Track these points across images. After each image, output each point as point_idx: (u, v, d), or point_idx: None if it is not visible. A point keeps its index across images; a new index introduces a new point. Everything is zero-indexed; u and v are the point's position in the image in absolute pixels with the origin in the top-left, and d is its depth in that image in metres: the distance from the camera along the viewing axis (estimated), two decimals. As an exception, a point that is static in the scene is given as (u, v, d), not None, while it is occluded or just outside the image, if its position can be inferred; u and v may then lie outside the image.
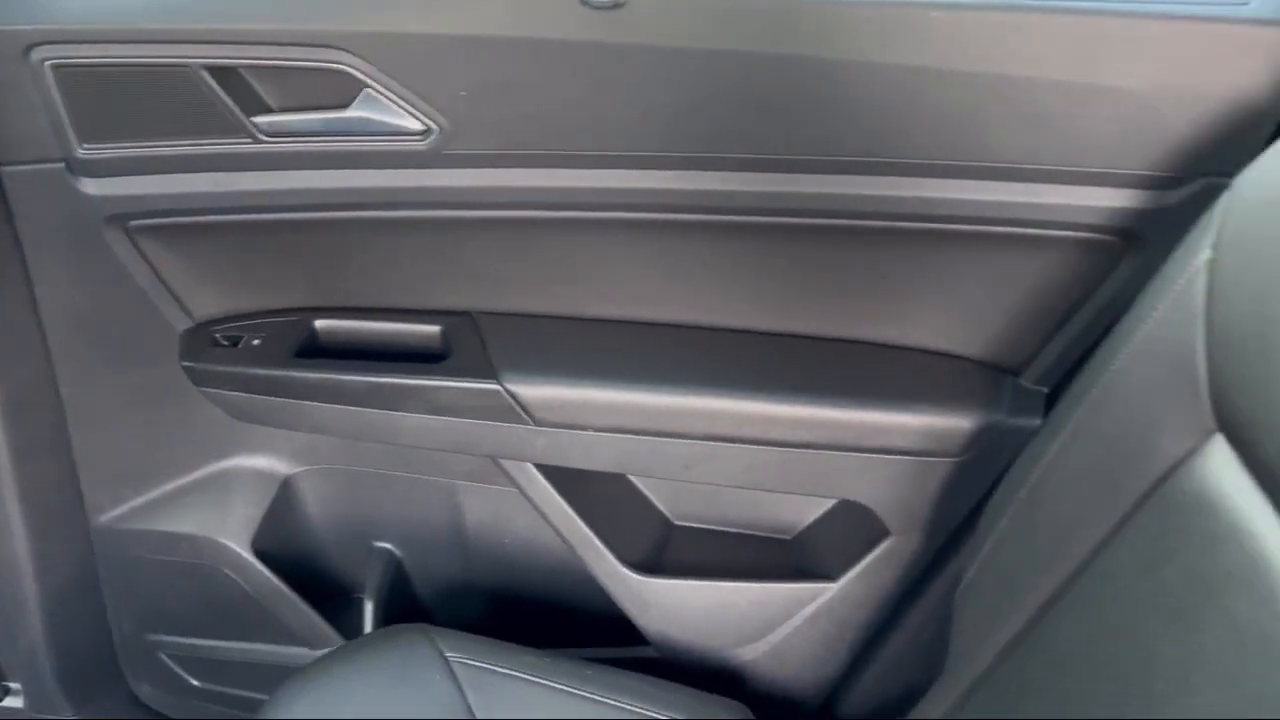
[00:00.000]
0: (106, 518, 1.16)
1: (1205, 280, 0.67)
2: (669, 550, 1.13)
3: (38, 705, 1.25)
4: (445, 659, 0.97)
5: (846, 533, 1.07)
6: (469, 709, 0.94)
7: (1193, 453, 0.65)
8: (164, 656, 1.26)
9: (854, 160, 0.87)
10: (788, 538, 1.15)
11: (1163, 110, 0.80)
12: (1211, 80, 0.78)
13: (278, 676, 0.98)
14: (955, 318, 0.97)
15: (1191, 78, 0.79)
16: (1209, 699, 0.58)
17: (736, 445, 0.99)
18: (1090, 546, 0.71)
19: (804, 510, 1.12)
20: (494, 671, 0.97)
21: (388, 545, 1.23)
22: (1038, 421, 0.96)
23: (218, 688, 1.28)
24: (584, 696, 0.97)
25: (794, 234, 0.94)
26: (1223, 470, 0.63)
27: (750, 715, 0.99)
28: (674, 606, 1.09)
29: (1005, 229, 0.89)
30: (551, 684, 0.97)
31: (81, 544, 1.18)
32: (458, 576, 1.22)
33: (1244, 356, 0.63)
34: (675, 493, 1.14)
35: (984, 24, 0.82)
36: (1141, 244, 0.85)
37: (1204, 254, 0.68)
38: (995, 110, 0.84)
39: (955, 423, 0.96)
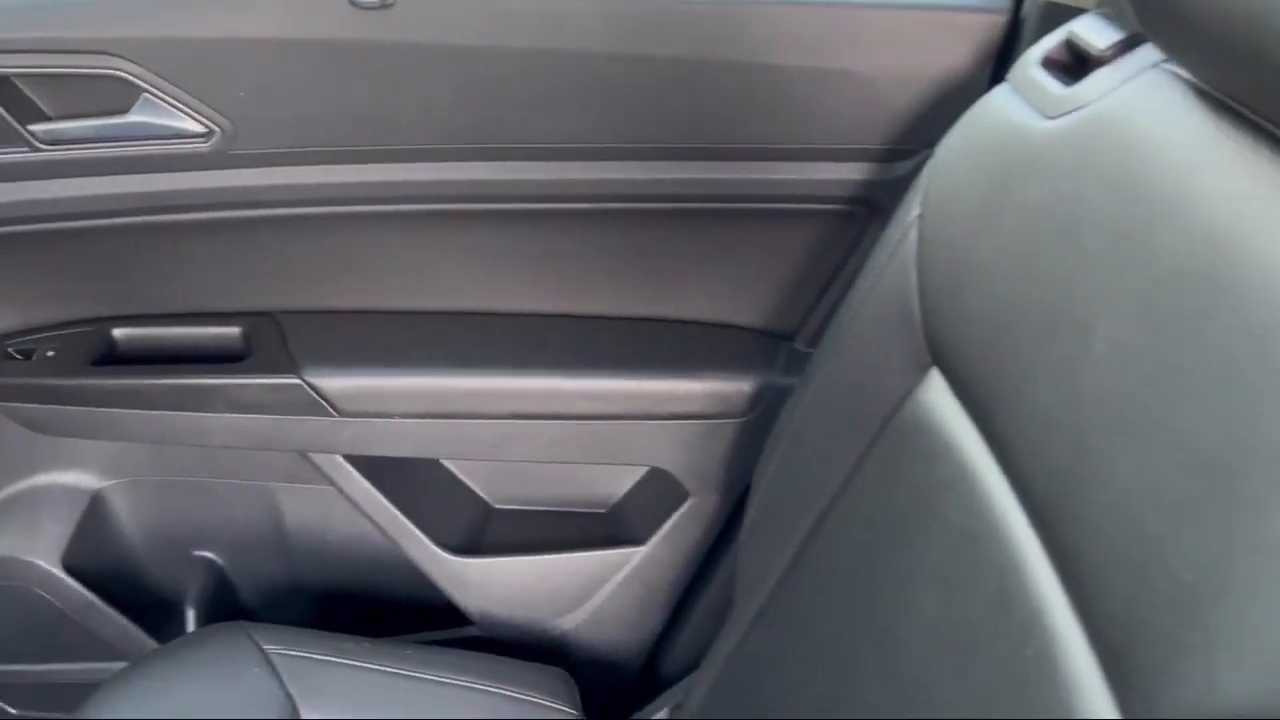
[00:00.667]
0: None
1: (916, 234, 0.76)
2: (488, 532, 1.18)
3: None
4: (264, 652, 0.99)
5: (652, 499, 1.14)
6: (290, 699, 0.96)
7: (915, 386, 0.74)
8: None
9: (624, 147, 0.94)
10: (603, 511, 1.21)
11: (889, 90, 0.90)
12: (928, 62, 0.88)
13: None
14: (731, 290, 1.05)
15: (912, 60, 0.89)
16: (932, 600, 0.66)
17: (540, 422, 1.04)
18: (840, 480, 0.80)
19: (616, 482, 1.18)
20: (314, 660, 0.99)
21: (208, 553, 1.23)
22: (810, 380, 1.05)
23: (38, 714, 1.25)
24: (407, 675, 1.00)
25: (577, 219, 1.00)
26: (939, 399, 0.71)
27: (570, 680, 1.04)
28: (493, 584, 1.13)
29: (766, 205, 0.98)
30: (373, 666, 1.00)
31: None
32: (281, 577, 1.24)
33: (947, 297, 0.72)
34: (492, 477, 1.18)
35: (732, 16, 0.90)
36: (881, 212, 0.95)
37: (914, 211, 0.77)
38: (747, 96, 0.92)
39: (738, 386, 1.04)
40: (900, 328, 0.76)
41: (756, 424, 1.04)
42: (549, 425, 1.04)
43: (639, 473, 1.16)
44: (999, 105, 0.73)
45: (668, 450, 1.07)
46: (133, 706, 0.93)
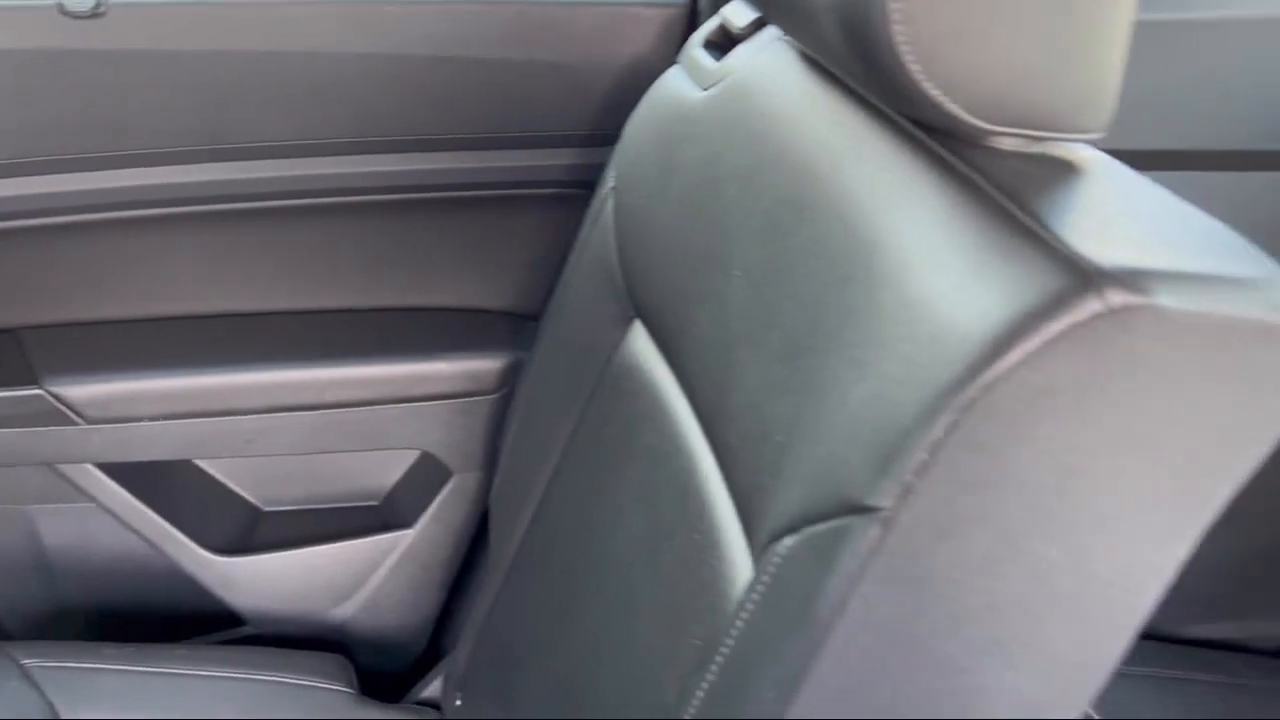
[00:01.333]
0: None
1: (611, 204, 0.85)
2: (258, 533, 1.19)
3: None
4: (21, 666, 0.97)
5: (420, 482, 1.18)
6: (52, 709, 0.95)
7: (622, 338, 0.82)
8: None
9: (356, 141, 0.99)
10: (376, 503, 1.24)
11: (594, 79, 0.99)
12: (622, 51, 0.98)
13: None
14: (476, 275, 1.12)
15: (610, 51, 0.98)
16: (637, 518, 0.74)
17: (294, 414, 1.07)
18: (567, 435, 0.87)
19: (385, 472, 1.22)
20: (76, 669, 0.99)
21: (-37, 584, 1.19)
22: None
23: None
24: (175, 674, 1.01)
25: (318, 215, 1.04)
26: (640, 345, 0.80)
27: (347, 664, 1.08)
28: (264, 581, 1.15)
29: (498, 192, 1.05)
30: (139, 669, 1.00)
31: None
32: (46, 599, 1.21)
33: (639, 255, 0.81)
34: (259, 478, 1.20)
35: (454, 14, 0.96)
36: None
37: (609, 184, 0.86)
38: (473, 89, 0.99)
39: (488, 365, 1.10)
40: (606, 289, 0.85)
41: (507, 399, 1.11)
42: (304, 416, 1.07)
43: (406, 460, 1.20)
44: (670, 83, 0.83)
45: (427, 432, 1.12)
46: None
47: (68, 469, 1.07)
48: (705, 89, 0.76)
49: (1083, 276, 0.39)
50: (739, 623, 0.50)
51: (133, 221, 1.00)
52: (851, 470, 0.44)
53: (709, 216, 0.69)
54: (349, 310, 1.11)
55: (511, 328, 1.13)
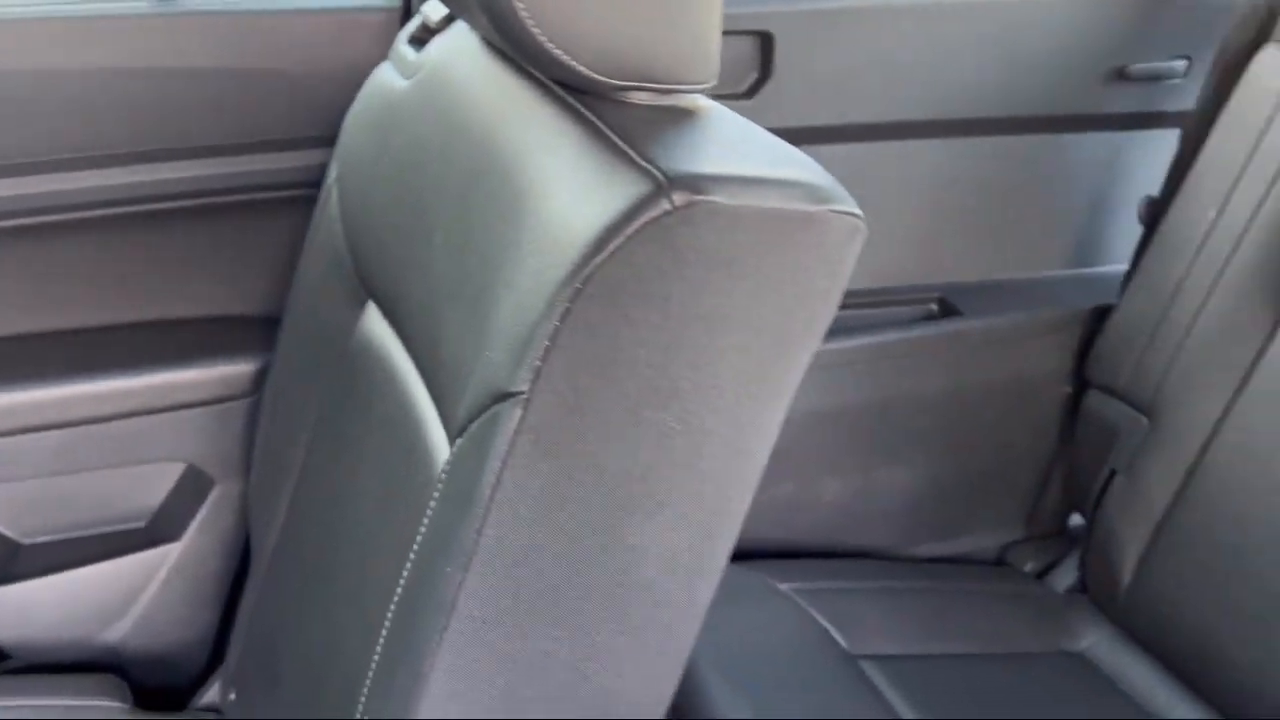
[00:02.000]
0: None
1: (336, 194, 0.90)
2: (18, 563, 1.16)
3: None
4: None
5: (185, 496, 1.18)
6: None
7: (358, 319, 0.87)
8: None
9: (76, 157, 1.00)
10: (143, 523, 1.23)
11: (318, 84, 1.03)
12: (343, 55, 1.02)
13: None
14: (220, 283, 1.13)
15: (330, 56, 1.03)
16: (373, 485, 0.79)
17: (43, 433, 1.06)
18: (313, 421, 0.92)
19: (150, 488, 1.21)
20: None
21: None
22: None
23: None
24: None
25: (49, 232, 1.04)
26: (374, 324, 0.85)
27: (120, 681, 1.07)
28: (28, 610, 1.12)
29: (232, 198, 1.07)
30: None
31: None
32: None
33: (364, 239, 0.86)
34: (19, 508, 1.17)
35: (160, 26, 0.99)
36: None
37: (333, 176, 0.91)
38: (202, 99, 1.01)
39: (241, 369, 1.12)
40: (338, 276, 0.89)
41: (259, 403, 1.13)
42: (53, 435, 1.06)
43: (169, 475, 1.20)
44: (380, 77, 0.88)
45: (185, 443, 1.13)
46: None
47: None
48: (408, 79, 0.82)
49: (655, 183, 0.48)
50: (425, 521, 0.57)
51: None
52: (499, 367, 0.51)
53: (415, 194, 0.76)
54: (92, 328, 1.11)
55: (261, 331, 1.15)
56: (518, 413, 0.49)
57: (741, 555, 0.64)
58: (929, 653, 1.18)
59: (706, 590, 0.59)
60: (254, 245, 1.12)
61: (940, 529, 1.35)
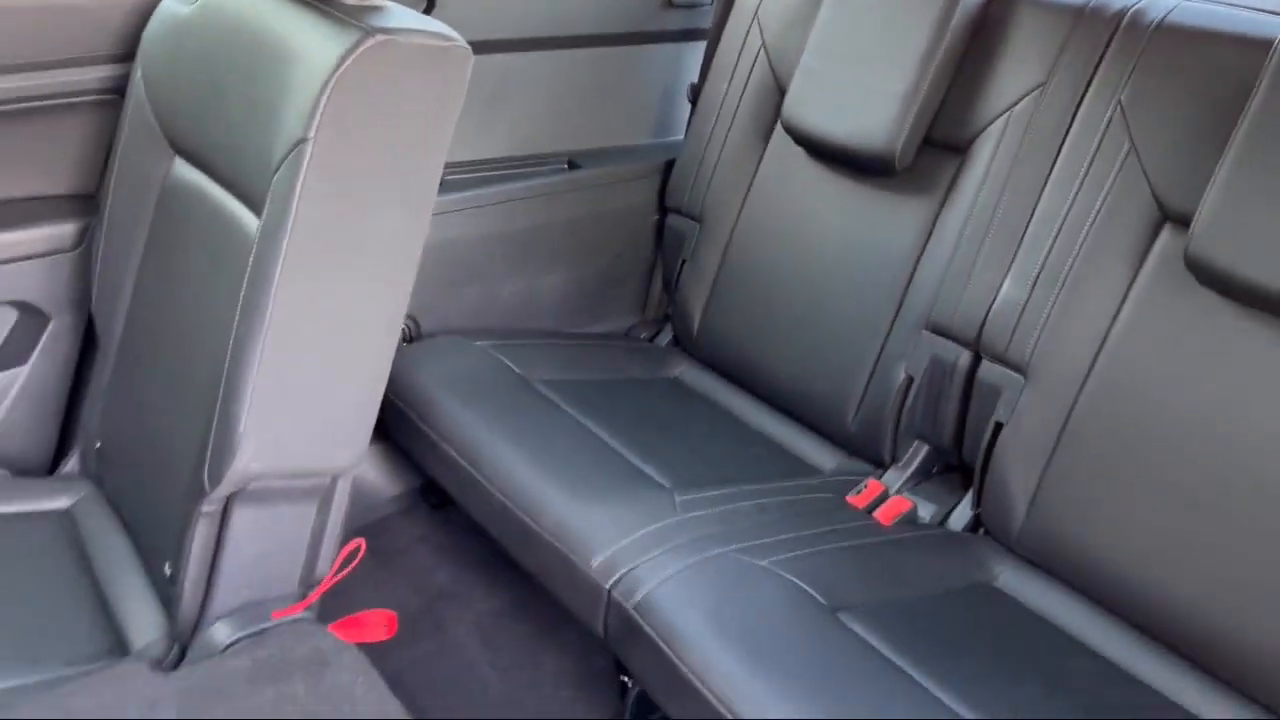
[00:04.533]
0: None
1: (142, 87, 1.36)
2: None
3: None
4: None
5: (27, 330, 1.55)
6: None
7: (169, 170, 1.33)
8: None
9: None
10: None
11: (110, 13, 1.46)
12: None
13: None
14: (47, 171, 1.53)
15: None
16: (195, 279, 1.27)
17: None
18: (141, 247, 1.37)
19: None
20: None
21: None
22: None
23: None
24: None
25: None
26: (181, 170, 1.31)
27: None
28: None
29: (46, 102, 1.48)
30: None
31: None
32: None
33: (166, 114, 1.32)
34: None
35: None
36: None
37: (138, 73, 1.36)
38: (12, 23, 1.41)
39: (66, 229, 1.52)
40: (150, 144, 1.36)
41: (85, 254, 1.54)
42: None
43: (11, 316, 1.56)
44: (167, 6, 1.34)
45: (21, 287, 1.52)
46: None
47: None
48: (191, 5, 1.29)
49: (363, 32, 1.02)
50: (244, 282, 1.10)
51: None
52: (293, 130, 1.04)
53: (208, 74, 1.25)
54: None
55: (79, 204, 1.56)
56: (308, 150, 1.03)
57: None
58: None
59: (396, 329, 1.18)
60: (69, 140, 1.52)
61: (585, 316, 1.98)
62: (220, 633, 1.20)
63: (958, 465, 1.59)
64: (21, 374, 1.57)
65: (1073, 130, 1.42)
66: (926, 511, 1.54)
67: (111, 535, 1.39)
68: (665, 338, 1.98)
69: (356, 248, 1.12)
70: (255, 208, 1.14)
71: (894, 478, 1.57)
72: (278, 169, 1.08)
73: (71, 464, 1.57)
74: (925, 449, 1.58)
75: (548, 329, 1.92)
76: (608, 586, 1.25)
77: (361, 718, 1.07)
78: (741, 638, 1.14)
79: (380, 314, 1.17)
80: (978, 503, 1.50)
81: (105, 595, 1.29)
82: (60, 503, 1.46)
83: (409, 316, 1.78)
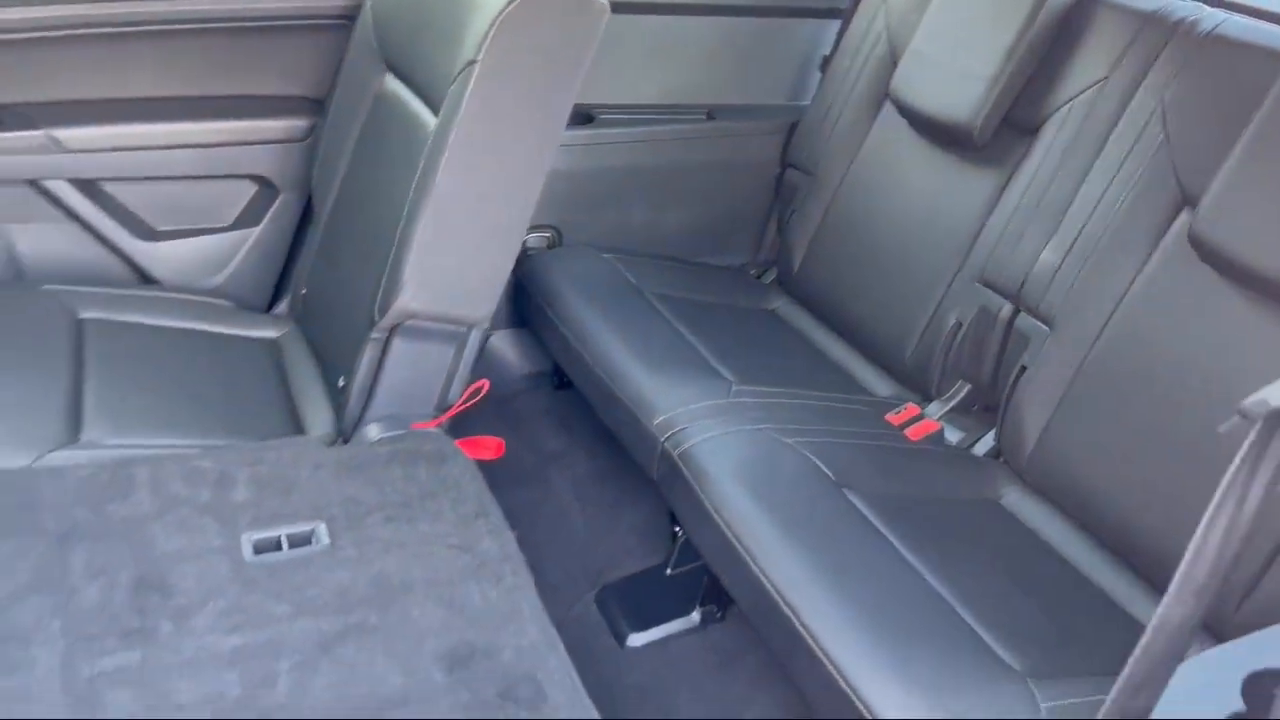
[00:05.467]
0: None
1: (370, 12, 1.74)
2: (159, 236, 1.98)
3: None
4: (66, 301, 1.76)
5: (262, 199, 2.01)
6: (75, 313, 1.74)
7: (382, 83, 1.73)
8: None
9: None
10: (238, 213, 2.06)
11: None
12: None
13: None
14: (289, 74, 1.96)
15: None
16: (389, 164, 1.67)
17: (174, 151, 1.88)
18: (353, 141, 1.77)
19: (242, 194, 2.03)
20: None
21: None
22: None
23: None
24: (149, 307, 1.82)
25: (177, 36, 1.85)
26: (390, 82, 1.71)
27: (227, 303, 1.92)
28: (169, 261, 1.96)
29: (288, 23, 1.90)
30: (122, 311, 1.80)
31: None
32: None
33: (387, 34, 1.71)
34: (161, 203, 1.98)
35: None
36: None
37: (368, 4, 1.75)
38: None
39: (298, 123, 1.95)
40: (369, 58, 1.75)
41: (312, 145, 1.97)
42: (183, 154, 1.89)
43: (252, 187, 2.01)
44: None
45: (261, 164, 1.96)
46: None
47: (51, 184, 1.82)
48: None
49: None
50: (420, 167, 1.47)
51: (89, 37, 1.77)
52: (466, 54, 1.40)
53: (417, 7, 1.61)
54: (212, 95, 1.93)
55: (309, 103, 1.98)
56: (475, 70, 1.38)
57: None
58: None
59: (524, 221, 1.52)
60: (309, 53, 1.94)
61: (703, 249, 2.29)
62: (371, 431, 1.60)
63: (993, 408, 1.82)
64: (253, 234, 2.02)
65: (1121, 121, 1.62)
66: (954, 437, 1.78)
67: (304, 360, 1.81)
68: (770, 276, 2.27)
69: (501, 150, 1.47)
70: (435, 110, 1.51)
71: (934, 409, 1.82)
72: (453, 82, 1.44)
73: (282, 306, 2.02)
74: (967, 388, 1.82)
75: (675, 254, 2.24)
76: (662, 440, 1.57)
77: (466, 499, 1.43)
78: (754, 486, 1.44)
79: (514, 204, 1.53)
80: (1000, 435, 1.73)
81: (294, 400, 1.71)
82: (270, 333, 1.90)
83: (553, 227, 2.14)
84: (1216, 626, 1.39)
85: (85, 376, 1.62)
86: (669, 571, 1.77)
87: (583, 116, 2.15)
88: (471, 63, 1.43)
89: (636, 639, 1.68)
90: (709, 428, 1.56)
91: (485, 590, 1.29)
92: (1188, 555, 0.68)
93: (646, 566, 1.79)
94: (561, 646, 1.24)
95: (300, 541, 1.33)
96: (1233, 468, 0.68)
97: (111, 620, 1.17)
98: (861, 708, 1.22)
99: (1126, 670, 0.71)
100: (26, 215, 1.88)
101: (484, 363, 2.08)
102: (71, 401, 1.55)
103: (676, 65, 2.22)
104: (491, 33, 1.41)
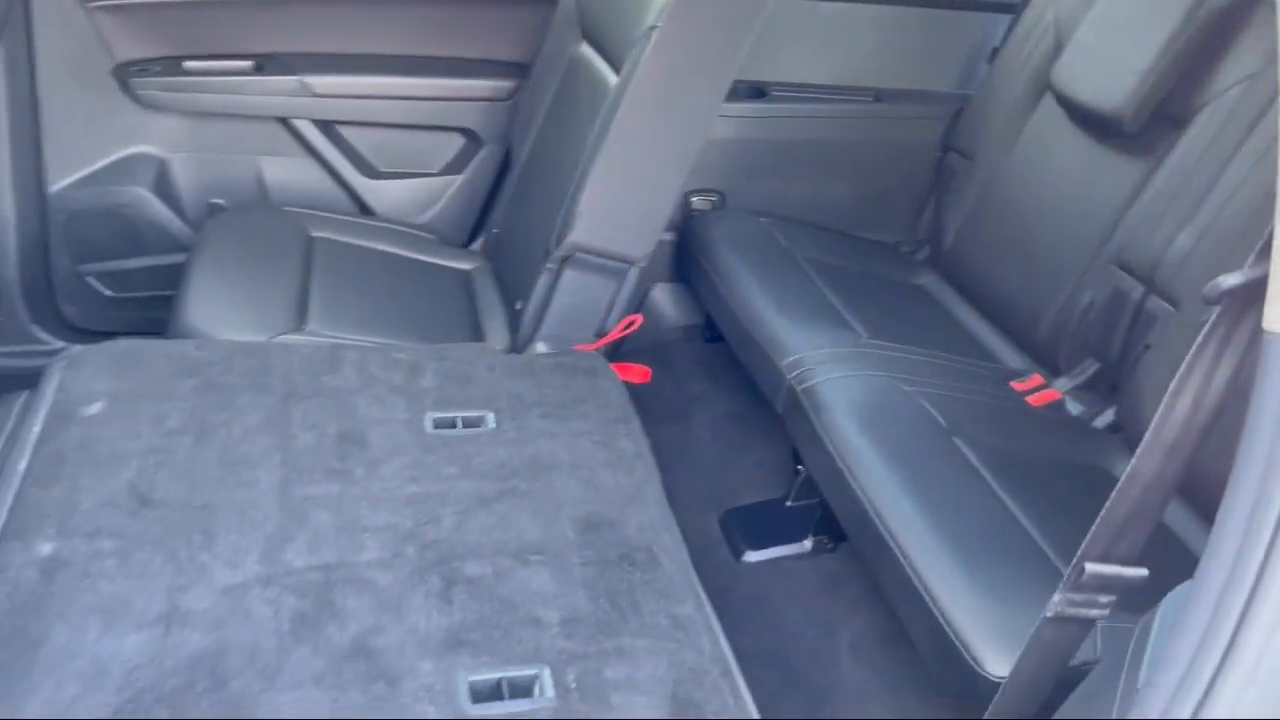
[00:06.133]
0: (58, 186, 2.10)
1: (575, -11, 1.99)
2: (378, 175, 2.30)
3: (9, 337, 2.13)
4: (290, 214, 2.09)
5: (469, 150, 2.30)
6: (306, 230, 2.07)
7: (577, 50, 1.97)
8: (89, 278, 2.20)
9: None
10: (449, 160, 2.36)
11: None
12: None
13: (166, 276, 2.02)
14: (487, 33, 2.24)
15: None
16: (587, 128, 1.90)
17: (400, 101, 2.19)
18: (549, 101, 2.03)
19: (452, 145, 2.34)
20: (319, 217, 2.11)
21: (219, 200, 2.27)
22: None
23: (123, 294, 2.24)
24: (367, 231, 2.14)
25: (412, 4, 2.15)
26: (585, 50, 1.95)
27: (433, 237, 2.21)
28: (384, 197, 2.28)
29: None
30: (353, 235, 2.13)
31: (38, 205, 2.10)
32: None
33: (586, 6, 1.95)
34: (381, 147, 2.30)
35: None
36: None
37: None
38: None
39: (502, 83, 2.23)
40: (569, 28, 1.99)
41: (515, 106, 2.24)
42: (400, 104, 2.19)
43: (460, 140, 2.31)
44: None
45: (469, 117, 2.24)
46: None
47: (297, 123, 2.16)
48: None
49: None
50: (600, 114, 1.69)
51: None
52: (644, 19, 1.61)
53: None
54: (432, 55, 2.22)
55: (514, 67, 2.25)
56: (654, 35, 1.59)
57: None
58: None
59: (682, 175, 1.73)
60: (523, 21, 2.21)
61: (859, 223, 2.43)
62: (539, 348, 1.85)
63: (1119, 387, 1.89)
64: (458, 180, 2.31)
65: (1264, 116, 1.66)
66: (1075, 409, 1.86)
67: (490, 290, 2.09)
68: (922, 255, 2.38)
69: (670, 108, 1.68)
70: (617, 70, 1.73)
71: (1062, 383, 1.91)
72: (634, 45, 1.66)
73: (477, 244, 2.30)
74: (1095, 366, 1.89)
75: (830, 225, 2.39)
76: (789, 378, 1.74)
77: (611, 407, 1.66)
78: (867, 422, 1.60)
79: (675, 159, 1.74)
80: (1119, 410, 1.80)
81: (479, 319, 1.98)
82: (465, 265, 2.18)
83: (719, 191, 2.33)
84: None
85: (312, 281, 1.94)
86: (788, 503, 1.93)
87: (756, 91, 2.33)
88: (653, 28, 1.64)
89: (752, 556, 1.86)
90: (833, 370, 1.72)
91: (618, 477, 1.50)
92: (1156, 417, 0.81)
93: (769, 498, 1.96)
94: (677, 530, 1.44)
95: (472, 423, 1.58)
96: (1198, 342, 0.80)
97: (319, 460, 1.45)
98: (951, 635, 1.34)
99: (1104, 513, 0.84)
100: (274, 149, 2.23)
101: (645, 311, 2.30)
102: (300, 299, 1.87)
103: (848, 49, 2.37)
104: (673, 2, 1.62)
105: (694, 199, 2.31)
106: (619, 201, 1.76)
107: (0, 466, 1.37)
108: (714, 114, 1.72)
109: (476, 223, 2.37)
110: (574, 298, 1.85)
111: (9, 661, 1.10)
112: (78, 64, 2.04)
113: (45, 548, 1.24)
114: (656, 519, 1.45)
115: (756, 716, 1.20)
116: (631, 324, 1.89)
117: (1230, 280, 0.76)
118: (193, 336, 1.73)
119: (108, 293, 2.25)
